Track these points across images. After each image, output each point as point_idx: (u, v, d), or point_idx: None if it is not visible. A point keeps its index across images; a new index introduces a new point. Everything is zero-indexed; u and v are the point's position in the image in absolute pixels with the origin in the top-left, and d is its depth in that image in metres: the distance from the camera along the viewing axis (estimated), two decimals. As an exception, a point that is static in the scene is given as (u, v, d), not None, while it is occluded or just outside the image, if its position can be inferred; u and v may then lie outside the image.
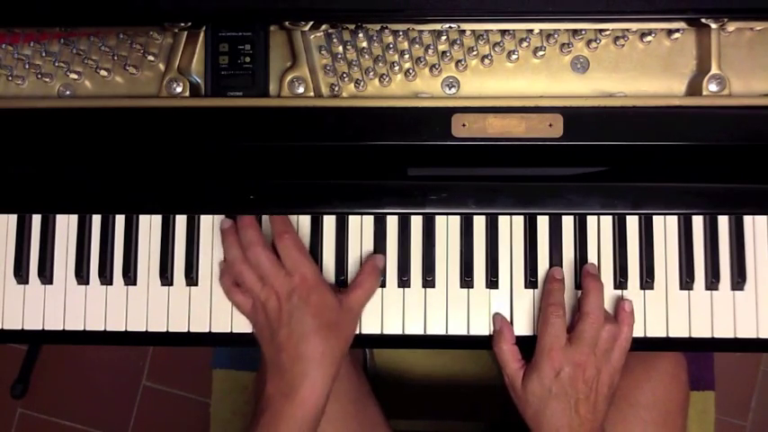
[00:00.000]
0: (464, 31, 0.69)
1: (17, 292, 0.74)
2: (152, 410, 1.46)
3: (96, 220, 0.74)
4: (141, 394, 1.46)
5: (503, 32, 0.69)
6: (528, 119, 0.67)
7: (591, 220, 0.73)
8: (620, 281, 0.72)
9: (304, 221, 0.74)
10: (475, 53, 0.70)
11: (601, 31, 0.69)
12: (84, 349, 1.45)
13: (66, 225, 0.74)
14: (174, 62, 0.70)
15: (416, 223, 0.73)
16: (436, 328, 0.72)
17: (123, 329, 0.73)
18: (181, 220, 0.74)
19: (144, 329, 0.73)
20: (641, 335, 0.71)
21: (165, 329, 0.73)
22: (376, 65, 0.70)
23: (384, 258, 0.73)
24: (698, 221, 0.73)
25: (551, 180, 0.72)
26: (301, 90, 0.70)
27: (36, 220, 0.74)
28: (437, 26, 0.69)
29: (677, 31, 0.69)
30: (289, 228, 0.70)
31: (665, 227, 0.73)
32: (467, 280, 0.72)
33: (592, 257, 0.73)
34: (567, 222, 0.73)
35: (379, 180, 0.72)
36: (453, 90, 0.71)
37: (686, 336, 0.72)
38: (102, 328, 0.73)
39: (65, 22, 0.69)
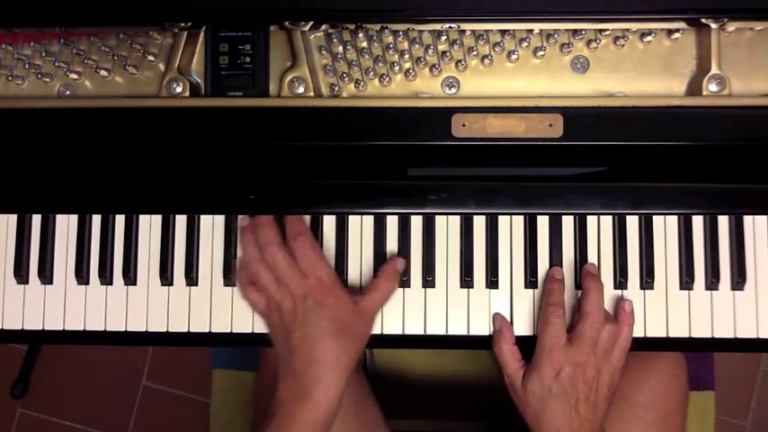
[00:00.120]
0: (464, 31, 0.69)
1: (17, 292, 0.74)
2: (152, 410, 1.46)
3: (96, 220, 0.74)
4: (141, 394, 1.46)
5: (503, 32, 0.69)
6: (528, 119, 0.67)
7: (591, 220, 0.73)
8: (620, 281, 0.72)
9: (304, 221, 0.74)
10: (475, 53, 0.70)
11: (601, 31, 0.69)
12: (83, 349, 1.45)
13: (67, 225, 0.74)
14: (174, 62, 0.70)
15: (416, 223, 0.73)
16: (436, 328, 0.72)
17: (123, 329, 0.73)
18: (181, 220, 0.74)
19: (144, 329, 0.73)
20: (641, 335, 0.71)
21: (165, 329, 0.73)
22: (376, 65, 0.70)
23: (404, 262, 0.72)
24: (698, 221, 0.73)
25: (551, 180, 0.72)
26: (301, 90, 0.70)
27: (36, 220, 0.74)
28: (437, 26, 0.69)
29: (677, 31, 0.69)
30: (304, 229, 0.70)
31: (665, 227, 0.73)
32: (467, 280, 0.72)
33: (592, 257, 0.73)
34: (567, 222, 0.73)
35: (379, 180, 0.72)
36: (453, 90, 0.71)
37: (686, 336, 0.72)
38: (102, 328, 0.73)
39: (65, 22, 0.69)
